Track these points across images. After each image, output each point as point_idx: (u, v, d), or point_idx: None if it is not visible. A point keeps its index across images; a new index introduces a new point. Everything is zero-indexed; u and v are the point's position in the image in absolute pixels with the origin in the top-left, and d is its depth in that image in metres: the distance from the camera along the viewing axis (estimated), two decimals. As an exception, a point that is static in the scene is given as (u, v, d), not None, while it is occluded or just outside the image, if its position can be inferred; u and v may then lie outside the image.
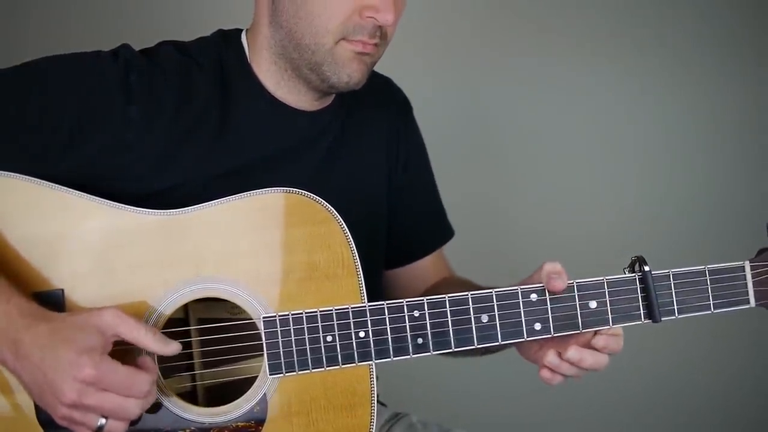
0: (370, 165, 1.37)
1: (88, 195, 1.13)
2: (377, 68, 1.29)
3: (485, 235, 2.16)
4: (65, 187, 1.12)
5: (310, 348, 1.11)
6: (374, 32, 1.18)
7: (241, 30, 1.30)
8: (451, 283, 1.43)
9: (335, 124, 1.32)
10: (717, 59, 2.22)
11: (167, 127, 1.19)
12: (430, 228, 1.49)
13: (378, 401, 1.16)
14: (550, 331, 1.12)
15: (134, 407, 1.04)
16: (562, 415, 2.20)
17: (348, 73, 1.20)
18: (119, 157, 1.17)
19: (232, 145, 1.24)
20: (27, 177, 1.12)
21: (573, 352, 1.11)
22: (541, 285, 1.12)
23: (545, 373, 1.14)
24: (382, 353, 1.11)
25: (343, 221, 1.13)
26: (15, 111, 1.15)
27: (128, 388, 1.02)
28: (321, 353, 1.11)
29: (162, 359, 1.11)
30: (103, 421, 1.03)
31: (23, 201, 1.12)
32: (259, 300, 1.12)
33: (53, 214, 1.12)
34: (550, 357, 1.13)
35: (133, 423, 1.07)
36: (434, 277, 1.46)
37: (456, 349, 1.12)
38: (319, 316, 1.11)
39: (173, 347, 1.07)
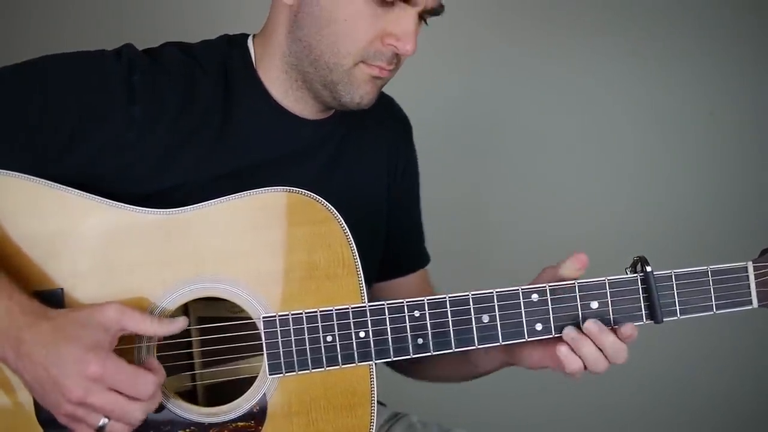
0: (371, 174, 1.38)
1: (88, 194, 1.12)
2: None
3: (485, 234, 2.16)
4: (65, 186, 1.12)
5: (309, 348, 1.10)
6: (392, 59, 1.19)
7: (247, 35, 1.30)
8: None
9: (337, 134, 1.32)
10: (717, 58, 2.23)
11: (169, 127, 1.19)
12: (414, 248, 1.49)
13: (378, 401, 1.15)
14: (551, 332, 1.12)
15: (138, 411, 1.03)
16: (562, 415, 2.20)
17: (361, 95, 1.21)
18: (120, 157, 1.17)
19: (234, 147, 1.23)
20: (27, 176, 1.12)
21: (592, 323, 1.11)
22: (542, 285, 1.12)
23: (563, 349, 1.12)
24: (382, 353, 1.11)
25: (343, 221, 1.13)
26: (16, 110, 1.14)
27: (133, 388, 1.02)
28: (321, 353, 1.10)
29: (162, 359, 1.11)
30: (105, 420, 1.03)
31: (23, 200, 1.11)
32: (258, 300, 1.12)
33: (53, 213, 1.12)
34: (568, 329, 1.11)
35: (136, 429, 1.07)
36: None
37: (456, 349, 1.12)
38: (319, 316, 1.10)
39: (179, 324, 1.08)
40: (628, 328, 1.11)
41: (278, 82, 1.26)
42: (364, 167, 1.36)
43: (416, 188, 1.48)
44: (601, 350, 1.12)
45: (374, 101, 1.24)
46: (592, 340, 1.11)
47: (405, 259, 1.47)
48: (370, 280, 1.34)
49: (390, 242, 1.42)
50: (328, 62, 1.19)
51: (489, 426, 1.93)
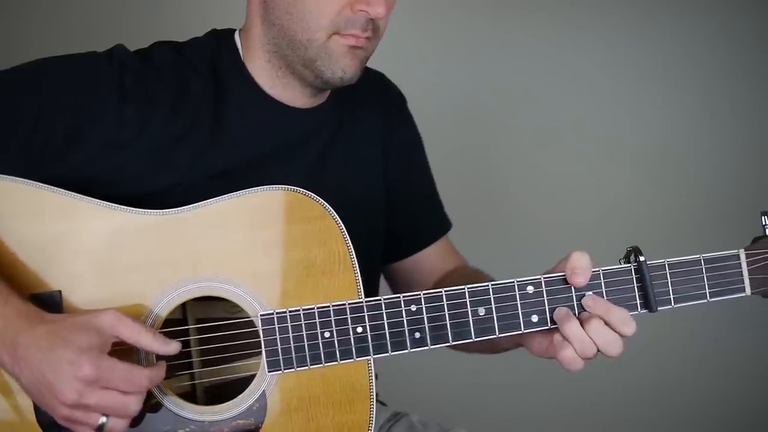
0: (366, 160, 1.38)
1: (85, 196, 1.13)
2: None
3: (482, 226, 2.16)
4: (61, 189, 1.13)
5: (308, 344, 1.11)
6: (366, 26, 1.19)
7: (234, 30, 1.31)
8: (463, 274, 1.42)
9: (331, 121, 1.33)
10: (712, 48, 2.24)
11: (162, 127, 1.20)
12: (428, 219, 1.48)
13: (378, 401, 1.16)
14: (547, 323, 1.12)
15: (134, 404, 1.04)
16: (562, 414, 2.20)
17: (342, 68, 1.21)
18: (115, 158, 1.18)
19: (228, 144, 1.24)
20: (23, 180, 1.12)
21: (561, 309, 1.10)
22: (537, 277, 1.13)
23: (557, 336, 1.11)
24: (380, 348, 1.11)
25: (338, 217, 1.13)
26: (12, 112, 1.16)
27: (128, 385, 1.03)
28: (319, 349, 1.11)
29: (162, 359, 1.11)
30: (104, 419, 1.03)
31: (20, 204, 1.12)
32: (256, 298, 1.12)
33: (50, 216, 1.12)
34: (559, 308, 1.11)
35: (133, 423, 1.07)
36: (442, 268, 1.45)
37: (453, 343, 1.12)
38: (316, 312, 1.11)
39: (173, 346, 1.08)
40: (588, 300, 1.10)
41: (264, 73, 1.26)
42: (359, 154, 1.36)
43: (419, 158, 1.47)
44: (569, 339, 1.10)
45: (359, 74, 1.23)
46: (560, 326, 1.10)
47: (420, 232, 1.46)
48: (372, 271, 1.35)
49: (400, 219, 1.42)
50: (302, 40, 1.20)
51: (489, 426, 1.92)
